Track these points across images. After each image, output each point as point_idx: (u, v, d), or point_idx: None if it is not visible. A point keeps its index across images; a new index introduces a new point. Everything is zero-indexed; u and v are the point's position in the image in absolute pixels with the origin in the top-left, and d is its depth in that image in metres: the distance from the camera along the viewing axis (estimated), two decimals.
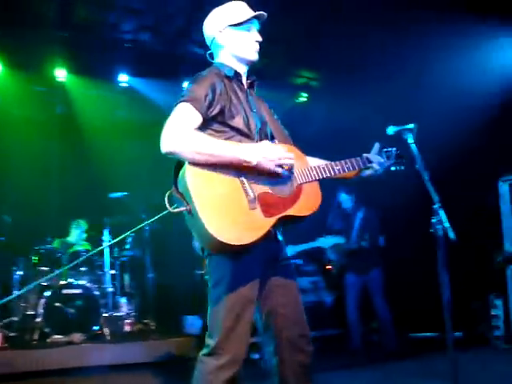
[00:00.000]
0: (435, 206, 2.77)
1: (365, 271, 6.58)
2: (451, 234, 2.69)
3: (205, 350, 2.71)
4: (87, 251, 6.99)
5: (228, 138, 2.68)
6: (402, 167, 3.13)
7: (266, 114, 2.95)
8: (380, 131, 3.06)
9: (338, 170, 2.88)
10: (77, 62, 7.96)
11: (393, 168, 3.12)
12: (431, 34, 6.61)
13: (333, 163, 2.88)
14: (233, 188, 2.56)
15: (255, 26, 2.89)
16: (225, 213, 2.50)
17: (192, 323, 7.16)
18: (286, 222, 2.71)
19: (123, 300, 7.02)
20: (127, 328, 6.79)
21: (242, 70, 2.91)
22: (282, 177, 2.69)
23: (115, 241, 4.71)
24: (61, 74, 8.21)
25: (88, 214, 7.65)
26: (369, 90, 7.55)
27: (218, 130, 2.68)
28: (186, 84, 9.07)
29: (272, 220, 2.61)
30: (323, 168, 2.83)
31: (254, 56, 2.89)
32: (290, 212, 2.67)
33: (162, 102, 8.52)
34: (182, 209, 2.53)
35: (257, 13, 2.86)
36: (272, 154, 2.62)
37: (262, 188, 2.64)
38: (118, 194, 7.15)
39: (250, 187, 2.60)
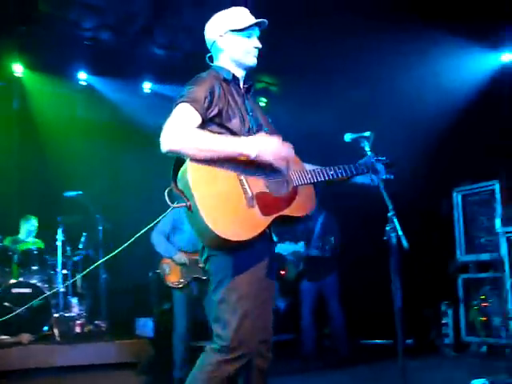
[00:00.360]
0: (389, 214, 2.80)
1: (321, 277, 6.60)
2: (404, 242, 2.72)
3: (221, 350, 2.67)
4: (39, 249, 6.86)
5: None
6: (392, 176, 3.16)
7: (262, 118, 3.00)
8: (338, 138, 3.09)
9: (332, 174, 2.93)
10: (35, 57, 7.83)
11: (384, 176, 3.13)
12: (390, 42, 6.70)
13: (327, 168, 2.94)
14: (232, 186, 2.63)
15: (255, 32, 2.95)
16: (224, 209, 2.57)
17: (144, 325, 7.09)
18: (282, 223, 2.78)
19: (74, 300, 6.88)
20: (78, 329, 6.66)
21: (240, 74, 2.97)
22: (280, 170, 2.75)
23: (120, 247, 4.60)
24: (18, 68, 8.06)
25: (42, 212, 7.50)
26: (328, 96, 7.62)
27: (215, 132, 2.71)
28: (147, 85, 8.90)
29: (269, 219, 2.67)
30: (318, 172, 2.90)
31: (252, 61, 2.95)
32: (286, 212, 2.74)
33: (120, 102, 8.44)
34: (183, 205, 2.59)
35: (258, 20, 2.92)
36: (270, 145, 2.68)
37: (259, 187, 2.70)
38: (73, 193, 7.03)
39: (249, 186, 2.66)
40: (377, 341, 7.69)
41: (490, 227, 6.69)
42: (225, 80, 2.87)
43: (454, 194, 7.16)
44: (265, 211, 2.66)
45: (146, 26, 7.32)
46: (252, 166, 2.68)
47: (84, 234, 7.13)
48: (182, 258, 5.64)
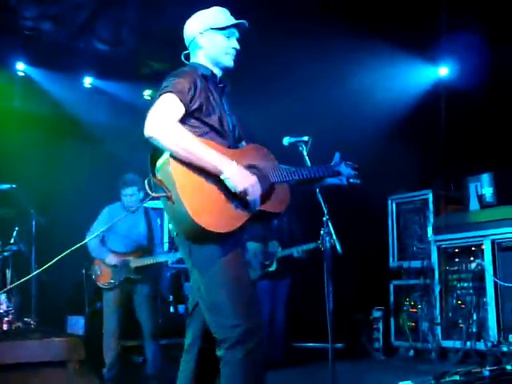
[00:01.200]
0: (324, 219, 2.84)
1: (281, 277, 6.60)
2: (338, 247, 2.77)
3: (232, 344, 2.59)
4: None
5: (202, 134, 2.73)
6: (358, 181, 3.24)
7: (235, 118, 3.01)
8: (277, 142, 3.12)
9: (306, 174, 2.96)
10: None
11: (351, 180, 3.22)
12: (330, 51, 6.81)
13: (301, 168, 2.97)
14: (212, 178, 2.62)
15: (235, 34, 2.97)
16: (205, 201, 2.59)
17: (75, 323, 6.95)
18: (259, 218, 2.82)
19: (2, 297, 6.68)
20: (5, 326, 6.47)
21: (218, 73, 2.97)
22: (238, 200, 2.68)
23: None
24: None
25: None
26: (266, 102, 7.65)
27: (194, 126, 2.73)
28: (88, 79, 8.68)
29: (248, 214, 2.69)
30: (293, 171, 2.92)
31: (229, 62, 2.95)
32: (264, 207, 2.76)
33: (59, 95, 8.25)
34: (163, 194, 2.61)
35: (239, 20, 2.95)
36: (247, 179, 2.64)
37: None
38: (5, 186, 6.82)
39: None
40: (310, 344, 7.78)
41: (422, 235, 6.88)
42: (203, 76, 2.86)
43: (389, 202, 7.32)
44: (244, 206, 2.67)
45: (89, 20, 7.18)
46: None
47: (16, 228, 6.93)
48: (112, 260, 5.65)
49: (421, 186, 7.01)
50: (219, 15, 2.95)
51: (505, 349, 5.35)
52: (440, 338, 6.22)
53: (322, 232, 2.85)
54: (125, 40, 7.60)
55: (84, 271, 6.84)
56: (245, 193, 2.63)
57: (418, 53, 7.65)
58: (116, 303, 5.64)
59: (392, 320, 7.00)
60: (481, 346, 5.65)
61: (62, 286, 7.61)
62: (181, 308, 7.43)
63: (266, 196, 2.78)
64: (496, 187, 6.19)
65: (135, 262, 5.67)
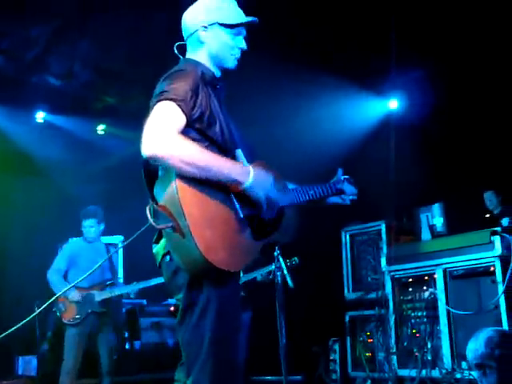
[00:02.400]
0: (275, 253, 2.83)
1: (247, 307, 6.41)
2: (289, 282, 2.77)
3: None
4: None
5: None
6: (356, 197, 3.09)
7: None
8: None
9: (312, 194, 2.79)
10: None
11: (350, 197, 3.08)
12: (285, 86, 6.92)
13: (306, 187, 2.80)
14: (223, 206, 2.31)
15: (243, 32, 2.61)
16: (218, 232, 2.25)
17: (27, 363, 6.76)
18: (268, 246, 2.57)
19: None
20: None
21: (218, 74, 2.61)
22: (263, 208, 2.44)
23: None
24: None
25: None
26: None
27: (194, 139, 2.33)
28: (41, 114, 8.42)
29: (260, 245, 2.45)
30: (300, 192, 2.74)
31: (232, 64, 2.60)
32: (275, 237, 2.54)
33: (10, 130, 8.14)
34: (169, 225, 2.21)
35: (251, 18, 2.59)
36: (266, 181, 2.43)
37: (249, 208, 2.41)
38: None
39: (240, 205, 2.37)
40: (268, 377, 7.72)
41: (376, 266, 6.94)
42: (203, 78, 2.45)
43: (343, 234, 7.39)
44: (255, 236, 2.41)
45: (42, 54, 7.14)
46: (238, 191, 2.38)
47: None
48: (75, 296, 5.65)
49: (373, 217, 7.10)
50: (229, 8, 2.57)
51: (458, 376, 5.40)
52: (396, 367, 6.25)
53: (273, 267, 2.83)
54: (77, 74, 7.58)
55: (36, 309, 6.67)
56: (268, 200, 2.42)
57: (368, 87, 7.84)
58: (79, 339, 5.65)
59: (349, 351, 7.01)
60: (436, 373, 5.69)
61: (11, 325, 7.40)
62: (136, 344, 7.31)
63: (276, 222, 2.54)
64: (446, 217, 6.32)
65: (99, 295, 5.72)
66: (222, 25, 2.53)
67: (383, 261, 6.56)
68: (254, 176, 2.37)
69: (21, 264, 6.65)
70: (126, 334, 7.42)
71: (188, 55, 2.61)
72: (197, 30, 2.54)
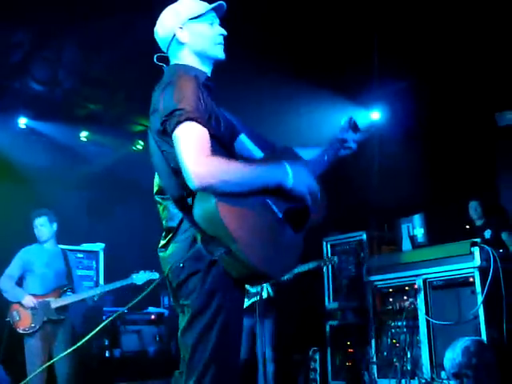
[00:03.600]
0: None
1: (263, 312, 6.18)
2: (269, 290, 2.78)
3: None
4: None
5: (212, 151, 2.28)
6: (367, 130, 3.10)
7: (229, 116, 2.63)
8: None
9: (327, 160, 2.80)
10: None
11: (357, 138, 3.02)
12: (264, 95, 6.95)
13: (319, 154, 2.79)
14: (263, 214, 2.32)
15: (217, 19, 2.57)
16: (266, 244, 2.28)
17: None
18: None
19: None
20: None
21: (209, 71, 2.57)
22: (308, 203, 2.47)
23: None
24: None
25: None
26: None
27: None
28: (23, 120, 8.25)
29: (301, 236, 2.49)
30: (318, 161, 2.75)
31: (221, 53, 2.55)
32: (312, 221, 2.55)
33: None
34: (222, 252, 2.21)
35: (216, 3, 2.54)
36: (306, 176, 2.45)
37: (284, 203, 2.41)
38: None
39: (277, 206, 2.38)
40: None
41: (357, 276, 6.97)
42: (197, 79, 2.39)
43: (324, 244, 7.41)
44: (296, 228, 2.44)
45: (25, 60, 7.13)
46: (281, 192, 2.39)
47: None
48: (30, 301, 5.44)
49: (355, 227, 7.14)
50: (193, 3, 2.55)
51: None
52: (376, 376, 6.28)
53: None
54: (61, 81, 7.57)
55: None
56: (311, 191, 2.45)
57: (351, 98, 7.90)
58: (40, 350, 5.40)
59: (329, 360, 7.02)
60: (415, 383, 5.72)
61: None
62: (116, 352, 7.26)
63: (305, 206, 2.51)
64: (427, 228, 6.37)
65: (56, 302, 5.51)
66: (193, 19, 2.50)
67: (364, 271, 6.59)
68: (294, 173, 2.38)
69: (1, 272, 6.56)
70: (106, 342, 7.36)
71: (174, 62, 2.57)
72: (174, 35, 2.51)
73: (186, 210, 2.33)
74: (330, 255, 6.55)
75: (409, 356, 5.92)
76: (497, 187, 7.78)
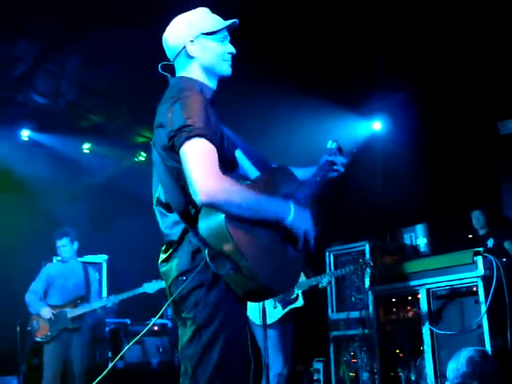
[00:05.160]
0: None
1: (284, 321, 5.99)
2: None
3: None
4: None
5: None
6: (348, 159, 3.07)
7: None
8: None
9: (319, 181, 2.82)
10: None
11: (345, 162, 3.08)
12: (267, 106, 6.97)
13: (313, 175, 2.82)
14: (268, 232, 2.33)
15: (228, 36, 2.57)
16: (273, 262, 2.31)
17: None
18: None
19: None
20: None
21: (215, 86, 2.57)
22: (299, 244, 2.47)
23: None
24: None
25: None
26: None
27: None
28: (26, 132, 8.23)
29: (302, 251, 2.51)
30: (310, 183, 2.76)
31: (228, 70, 2.55)
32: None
33: None
34: (231, 268, 2.21)
35: (231, 21, 2.54)
36: (306, 222, 2.46)
37: None
38: None
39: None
40: None
41: (360, 286, 6.95)
42: (204, 96, 2.41)
43: (327, 254, 7.40)
44: (296, 247, 2.45)
45: (28, 72, 7.16)
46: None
47: None
48: (47, 313, 5.88)
49: (357, 237, 7.13)
50: (207, 17, 2.53)
51: None
52: None
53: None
54: (64, 93, 7.60)
55: (18, 328, 6.60)
56: (306, 235, 2.46)
57: (352, 108, 7.92)
58: (56, 357, 5.84)
59: (332, 371, 6.99)
60: None
61: None
62: (120, 364, 7.24)
63: None
64: (430, 237, 6.36)
65: (72, 312, 5.91)
66: (206, 34, 2.48)
67: (367, 281, 6.58)
68: (296, 215, 2.39)
69: (2, 284, 6.60)
70: (110, 354, 7.35)
71: (180, 73, 2.55)
72: (184, 47, 2.48)
73: (190, 223, 2.32)
74: (367, 258, 6.41)
75: (412, 366, 5.90)
76: (499, 196, 7.77)
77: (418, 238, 6.43)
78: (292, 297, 5.79)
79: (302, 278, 5.84)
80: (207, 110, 2.30)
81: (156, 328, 7.40)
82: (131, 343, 2.69)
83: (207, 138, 2.22)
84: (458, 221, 7.30)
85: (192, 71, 2.51)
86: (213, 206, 2.19)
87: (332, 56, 6.99)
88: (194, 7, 2.58)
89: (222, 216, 2.18)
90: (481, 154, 7.46)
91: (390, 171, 7.77)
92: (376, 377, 6.28)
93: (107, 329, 7.58)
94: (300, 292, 5.83)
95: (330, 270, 7.28)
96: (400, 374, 6.00)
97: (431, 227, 6.46)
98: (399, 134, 8.04)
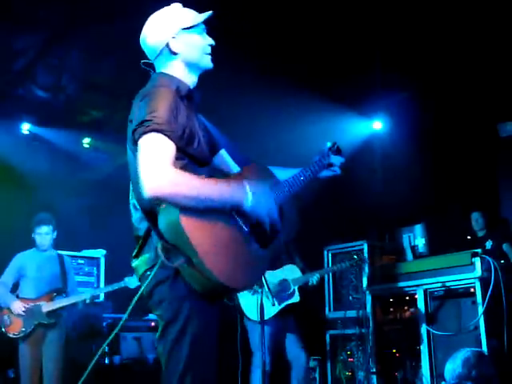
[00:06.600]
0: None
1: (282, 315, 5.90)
2: (270, 298, 2.76)
3: None
4: None
5: (182, 167, 2.29)
6: (343, 159, 3.04)
7: (211, 129, 2.65)
8: None
9: (303, 180, 2.74)
10: None
11: (339, 163, 3.03)
12: (270, 104, 6.97)
13: (296, 174, 2.75)
14: (228, 227, 2.30)
15: (204, 28, 2.57)
16: (229, 256, 2.27)
17: None
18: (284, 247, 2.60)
19: None
20: None
21: (193, 81, 2.55)
22: (262, 228, 2.41)
23: None
24: None
25: None
26: None
27: (176, 157, 2.28)
28: (26, 126, 8.19)
29: (270, 250, 2.46)
30: (291, 181, 2.69)
31: (210, 63, 2.56)
32: (282, 237, 2.54)
33: None
34: (182, 261, 2.20)
35: (208, 13, 2.54)
36: (267, 201, 2.41)
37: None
38: None
39: (243, 220, 2.36)
40: None
41: (358, 285, 6.96)
42: (178, 93, 2.40)
43: (325, 253, 7.40)
44: (262, 245, 2.42)
45: (29, 66, 7.15)
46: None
47: None
48: (18, 307, 5.41)
49: (356, 236, 7.14)
50: (184, 12, 2.54)
51: None
52: None
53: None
54: (64, 87, 7.59)
55: None
56: (270, 216, 2.41)
57: (353, 107, 7.92)
58: (32, 355, 5.40)
59: (329, 370, 7.00)
60: None
61: None
62: (116, 359, 7.24)
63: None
64: (428, 238, 6.36)
65: (47, 306, 5.48)
66: (186, 29, 2.50)
67: (365, 280, 6.59)
68: (254, 196, 2.35)
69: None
70: (106, 349, 7.35)
71: (161, 69, 2.56)
72: (167, 43, 2.49)
73: (153, 220, 2.32)
74: (362, 255, 6.37)
75: (409, 366, 5.91)
76: (498, 197, 7.78)
77: (417, 238, 6.43)
78: (288, 292, 5.73)
79: (298, 273, 5.81)
80: (175, 106, 2.31)
81: (153, 324, 7.38)
82: (105, 343, 2.64)
83: (164, 133, 2.22)
84: (456, 222, 7.31)
85: (173, 68, 2.52)
86: (160, 200, 2.18)
87: (333, 55, 6.99)
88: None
89: (177, 212, 2.16)
90: (480, 155, 7.46)
91: (390, 171, 7.78)
92: (372, 376, 6.29)
93: (104, 324, 7.59)
94: (296, 288, 5.77)
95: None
96: (396, 373, 6.01)
97: (430, 228, 6.45)
98: (399, 134, 8.05)
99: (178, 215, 2.16)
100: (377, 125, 8.50)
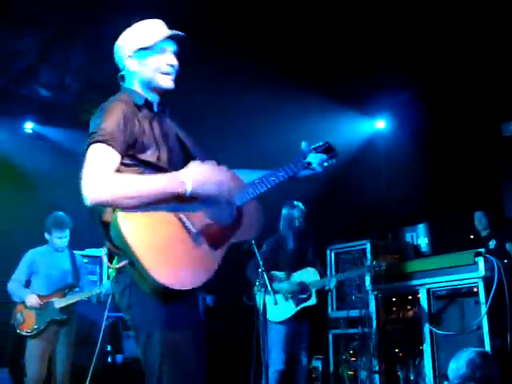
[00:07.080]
0: (260, 270, 2.81)
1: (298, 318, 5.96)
2: (272, 297, 2.75)
3: None
4: None
5: (139, 174, 2.37)
6: (334, 160, 3.03)
7: (185, 139, 2.67)
8: None
9: (273, 180, 2.68)
10: None
11: (325, 164, 3.01)
12: (273, 104, 6.96)
13: (266, 174, 2.70)
14: (173, 228, 2.31)
15: (171, 47, 2.58)
16: (171, 256, 2.25)
17: None
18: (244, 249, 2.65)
19: None
20: None
21: (154, 98, 2.60)
22: (220, 199, 2.42)
23: None
24: None
25: None
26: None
27: (129, 165, 2.37)
28: (29, 125, 8.24)
29: (221, 252, 2.41)
30: (258, 183, 2.63)
31: (167, 83, 2.57)
32: (236, 238, 2.48)
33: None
34: (124, 263, 2.28)
35: (169, 33, 2.55)
36: (205, 173, 2.38)
37: (202, 221, 2.39)
38: None
39: (191, 222, 2.35)
40: None
41: (361, 285, 6.96)
42: (136, 105, 2.49)
43: (328, 252, 7.40)
44: (214, 245, 2.38)
45: (32, 65, 7.16)
46: (186, 199, 2.34)
47: None
48: (33, 300, 5.40)
49: (359, 236, 7.13)
50: (147, 31, 2.56)
51: None
52: None
53: (257, 283, 2.82)
54: (68, 86, 7.59)
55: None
56: (218, 190, 2.38)
57: (356, 107, 7.91)
58: (41, 351, 5.39)
59: (331, 369, 7.00)
60: None
61: None
62: (118, 358, 7.25)
63: (235, 224, 2.49)
64: (431, 237, 6.36)
65: (59, 302, 5.48)
66: (142, 49, 2.54)
67: (368, 280, 6.58)
68: (191, 177, 2.34)
69: (3, 278, 6.55)
70: (109, 348, 7.36)
71: (126, 84, 2.64)
72: (125, 61, 2.58)
73: (106, 227, 2.37)
74: (378, 260, 6.35)
75: (412, 366, 5.90)
76: (501, 197, 7.77)
77: (420, 237, 6.44)
78: (306, 295, 5.79)
79: (317, 277, 5.87)
80: (124, 117, 2.37)
81: None
82: (98, 346, 2.67)
83: (108, 144, 2.29)
84: (459, 221, 7.30)
85: (133, 83, 2.60)
86: (103, 205, 2.27)
87: (336, 54, 6.98)
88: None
89: (116, 215, 2.23)
90: (484, 154, 7.45)
91: (393, 170, 7.77)
92: (375, 376, 6.29)
93: (106, 322, 7.59)
94: (314, 290, 5.82)
95: (330, 268, 7.30)
96: (399, 373, 6.00)
97: (433, 227, 6.46)
98: (402, 133, 8.04)
99: (116, 217, 2.23)
100: (380, 124, 8.49)
